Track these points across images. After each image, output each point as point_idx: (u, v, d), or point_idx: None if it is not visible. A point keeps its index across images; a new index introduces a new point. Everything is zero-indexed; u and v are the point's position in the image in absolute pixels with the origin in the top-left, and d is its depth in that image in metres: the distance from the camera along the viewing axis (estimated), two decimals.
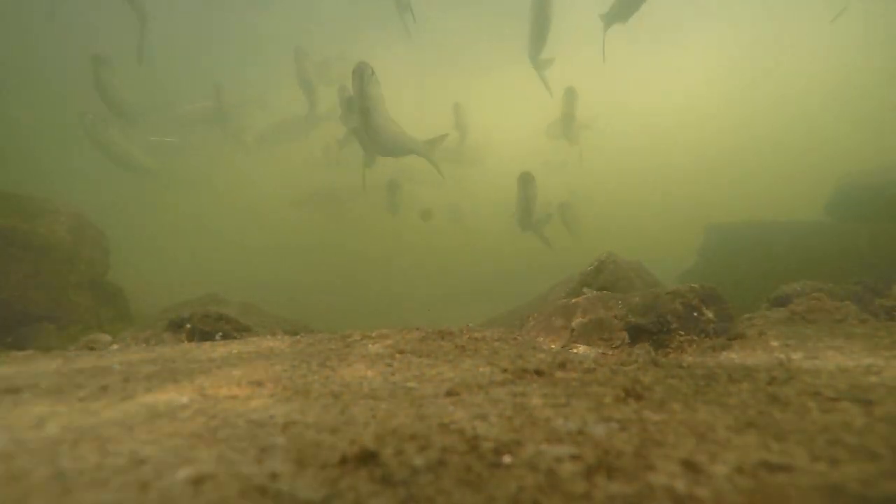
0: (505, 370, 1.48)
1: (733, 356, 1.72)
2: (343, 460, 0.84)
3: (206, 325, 2.83)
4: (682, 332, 2.30)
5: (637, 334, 2.37)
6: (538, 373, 1.45)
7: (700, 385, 1.30)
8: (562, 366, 1.55)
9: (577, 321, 2.51)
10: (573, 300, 2.68)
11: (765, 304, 3.24)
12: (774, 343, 1.80)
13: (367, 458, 0.85)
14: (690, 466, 0.81)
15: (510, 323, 3.68)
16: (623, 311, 2.47)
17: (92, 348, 2.75)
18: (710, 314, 2.38)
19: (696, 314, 2.38)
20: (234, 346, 1.95)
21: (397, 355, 1.69)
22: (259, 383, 1.34)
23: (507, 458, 0.85)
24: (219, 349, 1.89)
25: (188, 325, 2.85)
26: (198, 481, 0.77)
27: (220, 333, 2.78)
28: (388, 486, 0.76)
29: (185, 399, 1.20)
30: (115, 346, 2.85)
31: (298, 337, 2.20)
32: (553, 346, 2.40)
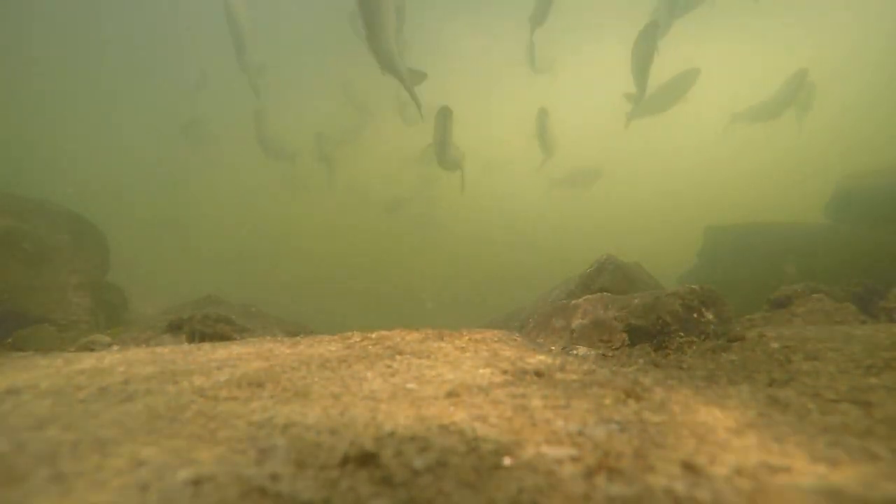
0: (505, 371, 1.48)
1: (733, 358, 1.72)
2: (343, 461, 0.84)
3: (205, 326, 2.83)
4: (682, 334, 2.30)
5: (637, 336, 2.37)
6: (538, 374, 1.45)
7: (700, 386, 1.30)
8: (562, 367, 1.55)
9: (577, 322, 2.51)
10: (573, 302, 2.68)
11: (765, 306, 3.24)
12: (774, 345, 1.80)
13: (368, 459, 0.85)
14: (690, 468, 0.81)
15: (510, 324, 3.68)
16: (623, 313, 2.47)
17: (91, 349, 2.75)
18: (709, 316, 2.38)
19: (695, 316, 2.38)
20: (234, 348, 1.94)
21: (397, 356, 1.69)
22: (259, 384, 1.34)
23: (507, 460, 0.85)
24: (219, 351, 1.89)
25: (188, 327, 2.85)
26: (197, 483, 0.77)
27: (220, 335, 2.78)
28: (389, 487, 0.76)
29: (184, 400, 1.20)
30: (114, 348, 2.85)
31: (298, 338, 2.20)
32: (553, 348, 2.40)
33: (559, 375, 1.44)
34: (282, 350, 1.85)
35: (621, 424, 1.01)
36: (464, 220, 17.55)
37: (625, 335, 2.38)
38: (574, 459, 0.84)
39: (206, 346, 2.07)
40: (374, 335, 2.05)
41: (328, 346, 1.89)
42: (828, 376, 1.35)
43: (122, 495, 0.74)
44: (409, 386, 1.33)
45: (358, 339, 1.99)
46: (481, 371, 1.49)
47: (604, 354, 2.19)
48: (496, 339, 2.08)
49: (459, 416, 1.07)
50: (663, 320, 2.36)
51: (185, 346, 2.20)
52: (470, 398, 1.21)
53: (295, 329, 4.13)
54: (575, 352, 2.26)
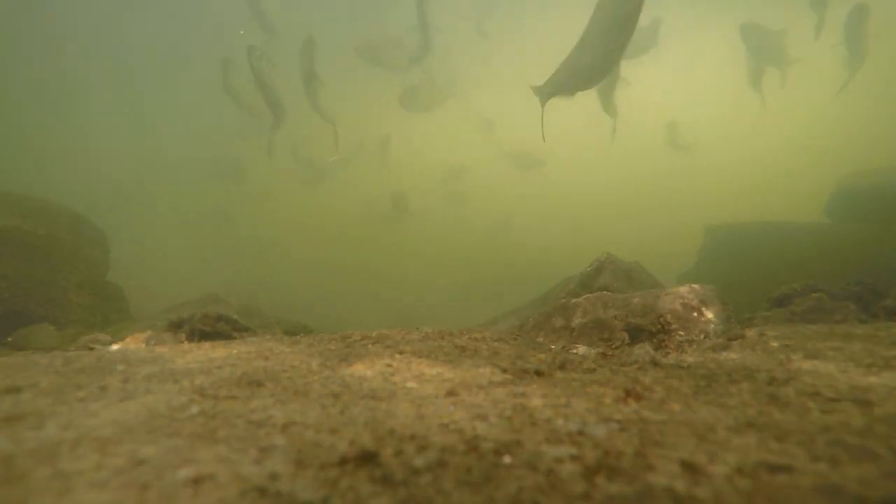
0: (505, 370, 1.48)
1: (733, 356, 1.72)
2: (343, 460, 0.84)
3: (205, 325, 2.83)
4: (682, 333, 2.30)
5: (637, 335, 2.37)
6: (538, 373, 1.45)
7: (700, 385, 1.30)
8: (562, 366, 1.55)
9: (577, 321, 2.51)
10: (573, 301, 2.68)
11: (765, 305, 3.24)
12: (774, 344, 1.80)
13: (367, 458, 0.85)
14: (690, 467, 0.81)
15: (510, 324, 3.68)
16: (623, 312, 2.47)
17: (91, 348, 2.76)
18: (709, 315, 2.38)
19: (695, 315, 2.38)
20: (234, 347, 1.94)
21: (397, 355, 1.69)
22: (259, 383, 1.34)
23: (507, 459, 0.85)
24: (219, 349, 1.89)
25: (188, 326, 2.85)
26: (197, 481, 0.77)
27: (220, 334, 2.78)
28: (388, 486, 0.76)
29: (184, 399, 1.20)
30: (114, 347, 2.85)
31: (298, 337, 2.20)
32: (553, 347, 2.40)
33: (559, 374, 1.44)
34: (282, 349, 1.85)
35: (621, 423, 1.01)
36: (464, 221, 17.56)
37: (625, 334, 2.38)
38: (574, 458, 0.84)
39: (206, 344, 2.07)
40: (374, 334, 2.05)
41: (328, 345, 1.89)
42: (828, 375, 1.35)
43: (122, 494, 0.74)
44: (409, 385, 1.33)
45: (358, 338, 1.99)
46: (481, 370, 1.49)
47: (604, 353, 2.19)
48: (496, 337, 2.08)
49: (459, 414, 1.07)
50: (663, 319, 2.36)
51: (185, 345, 2.20)
52: (470, 397, 1.21)
53: (295, 328, 4.13)
54: (575, 351, 2.26)
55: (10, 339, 4.18)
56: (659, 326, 2.35)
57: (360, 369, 1.51)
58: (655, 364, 1.64)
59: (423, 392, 1.26)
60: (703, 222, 6.73)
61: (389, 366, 1.55)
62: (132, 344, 2.84)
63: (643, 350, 2.22)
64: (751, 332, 2.04)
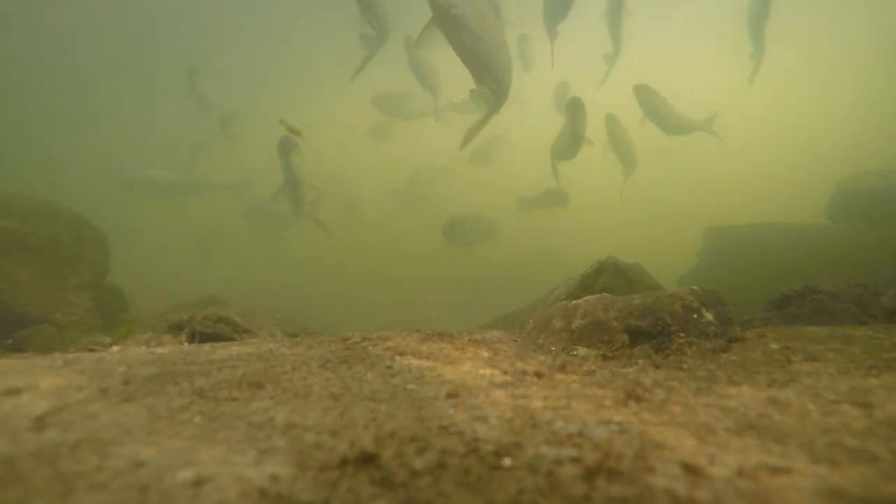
0: (505, 372, 1.48)
1: (733, 358, 1.72)
2: (343, 462, 0.84)
3: (206, 327, 2.83)
4: (682, 335, 2.30)
5: (637, 336, 2.37)
6: (538, 375, 1.45)
7: (700, 387, 1.30)
8: (562, 368, 1.55)
9: (577, 323, 2.51)
10: (573, 302, 2.68)
11: (765, 307, 3.23)
12: (774, 345, 1.80)
13: (367, 460, 0.85)
14: (691, 469, 0.81)
15: (510, 325, 3.68)
16: (623, 314, 2.46)
17: (92, 350, 2.76)
18: (709, 316, 2.38)
19: (695, 316, 2.38)
20: (234, 349, 1.94)
21: (397, 357, 1.69)
22: (259, 385, 1.34)
23: (507, 461, 0.85)
24: (219, 351, 1.89)
25: (188, 328, 2.85)
26: (198, 483, 0.77)
27: (220, 336, 2.78)
28: (388, 488, 0.76)
29: (184, 401, 1.20)
30: (115, 348, 2.85)
31: (298, 339, 2.20)
32: (553, 348, 2.40)
33: (559, 376, 1.44)
34: (282, 351, 1.85)
35: (621, 425, 1.01)
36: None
37: (625, 336, 2.38)
38: (574, 460, 0.84)
39: (207, 346, 2.07)
40: (374, 336, 2.05)
41: (328, 347, 1.89)
42: (828, 377, 1.35)
43: (123, 496, 0.74)
44: (410, 387, 1.33)
45: (358, 340, 1.99)
46: (481, 372, 1.49)
47: (604, 355, 2.19)
48: (496, 339, 2.08)
49: (459, 416, 1.07)
50: (663, 321, 2.35)
51: (186, 347, 2.20)
52: (470, 399, 1.21)
53: (295, 330, 4.13)
54: (575, 352, 2.26)
55: (10, 341, 4.18)
56: (659, 328, 2.35)
57: (360, 371, 1.51)
58: (655, 366, 1.64)
59: (423, 394, 1.26)
60: (703, 224, 6.73)
61: (389, 368, 1.55)
62: (133, 346, 2.84)
63: (643, 352, 2.22)
64: (751, 334, 2.05)
